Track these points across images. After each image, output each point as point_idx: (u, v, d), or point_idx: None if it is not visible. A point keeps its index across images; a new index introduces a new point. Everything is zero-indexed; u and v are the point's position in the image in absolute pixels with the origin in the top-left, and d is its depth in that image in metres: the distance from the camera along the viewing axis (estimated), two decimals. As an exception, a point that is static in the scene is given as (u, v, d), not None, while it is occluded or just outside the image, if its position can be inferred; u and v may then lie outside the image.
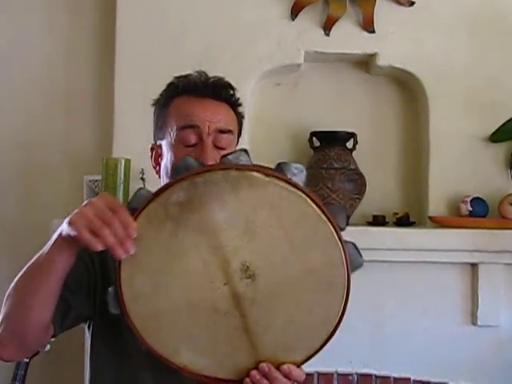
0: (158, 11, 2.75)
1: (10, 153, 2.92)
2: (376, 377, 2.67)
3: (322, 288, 1.31)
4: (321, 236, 1.28)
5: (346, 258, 1.29)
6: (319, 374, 2.67)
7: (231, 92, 1.65)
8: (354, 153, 2.78)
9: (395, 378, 2.67)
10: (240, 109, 1.67)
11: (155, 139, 1.66)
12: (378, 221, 2.73)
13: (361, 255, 1.33)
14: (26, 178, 2.92)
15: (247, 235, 1.28)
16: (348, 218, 1.32)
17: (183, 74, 1.65)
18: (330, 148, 2.74)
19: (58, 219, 2.14)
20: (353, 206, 2.73)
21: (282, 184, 1.26)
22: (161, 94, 1.67)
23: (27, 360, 2.44)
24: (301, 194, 1.27)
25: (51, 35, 2.96)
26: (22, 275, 1.40)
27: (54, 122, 2.93)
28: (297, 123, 2.87)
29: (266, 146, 2.77)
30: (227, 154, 1.28)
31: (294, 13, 2.72)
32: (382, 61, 2.75)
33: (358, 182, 2.73)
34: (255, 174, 1.26)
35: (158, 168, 1.64)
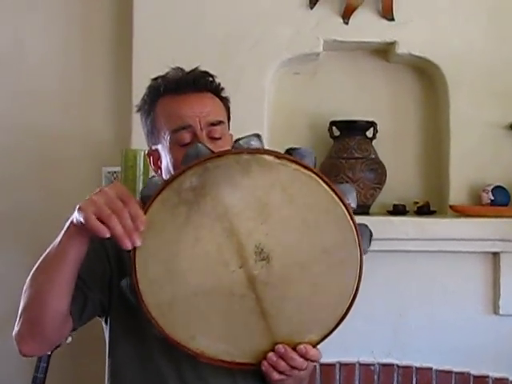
0: (176, -1, 2.74)
1: (29, 146, 2.92)
2: (398, 366, 2.67)
3: (335, 268, 1.32)
4: (333, 216, 1.29)
5: (358, 238, 1.30)
6: (341, 364, 2.67)
7: (211, 79, 1.64)
8: (373, 142, 2.76)
9: (417, 368, 2.66)
10: (223, 93, 1.67)
11: (149, 145, 1.67)
12: (398, 210, 2.71)
13: (369, 243, 1.34)
14: (46, 170, 2.92)
15: (261, 217, 1.28)
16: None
17: (161, 74, 1.64)
18: (349, 137, 2.72)
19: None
20: (373, 196, 2.71)
21: (294, 166, 1.27)
22: (143, 99, 1.67)
23: (49, 352, 2.45)
24: (312, 174, 1.28)
25: (67, 26, 2.95)
26: (37, 267, 1.41)
27: (72, 114, 2.93)
28: (316, 112, 2.85)
29: (285, 136, 2.76)
30: (239, 139, 1.30)
31: (313, 1, 2.70)
32: (401, 49, 2.72)
33: (379, 172, 2.71)
34: (266, 156, 1.27)
35: (159, 172, 1.64)
